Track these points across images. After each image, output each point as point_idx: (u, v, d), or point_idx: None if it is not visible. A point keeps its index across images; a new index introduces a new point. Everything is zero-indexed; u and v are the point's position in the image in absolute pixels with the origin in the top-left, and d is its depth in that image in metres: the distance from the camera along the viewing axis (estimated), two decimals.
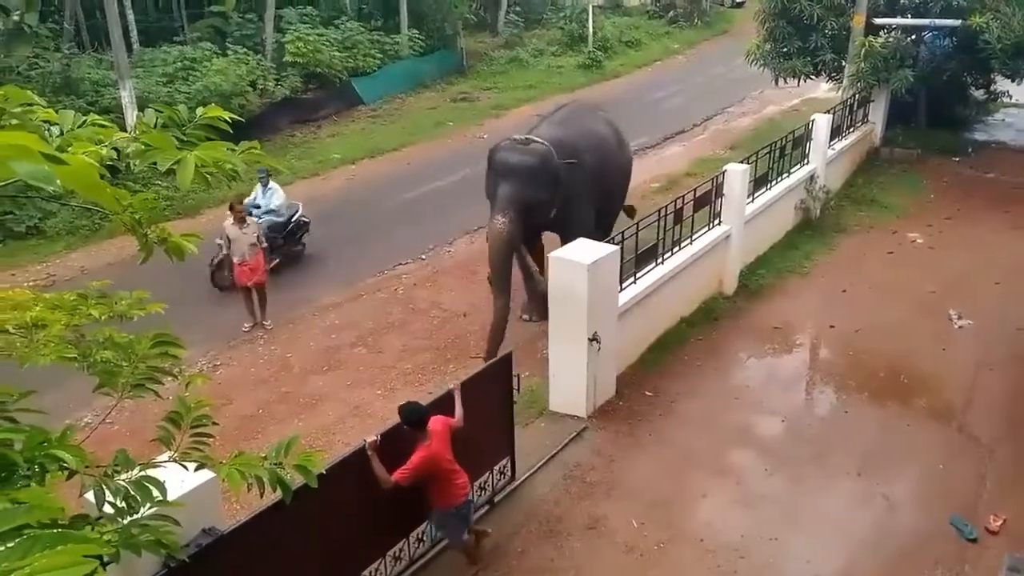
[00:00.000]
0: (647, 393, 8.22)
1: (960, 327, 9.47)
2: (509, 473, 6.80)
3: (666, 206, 8.74)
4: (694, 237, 9.34)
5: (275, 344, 9.39)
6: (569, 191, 8.65)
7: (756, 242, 10.90)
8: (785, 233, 11.82)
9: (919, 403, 8.19)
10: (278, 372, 8.85)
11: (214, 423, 3.26)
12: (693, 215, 9.25)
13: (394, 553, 5.85)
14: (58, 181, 1.63)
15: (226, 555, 4.50)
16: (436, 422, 5.51)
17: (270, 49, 18.58)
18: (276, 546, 4.81)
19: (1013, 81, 15.12)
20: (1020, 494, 6.84)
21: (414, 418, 5.38)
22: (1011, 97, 16.31)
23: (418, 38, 21.99)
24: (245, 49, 17.73)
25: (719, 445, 7.51)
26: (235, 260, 9.47)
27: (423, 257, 11.65)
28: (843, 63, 14.97)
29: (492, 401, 6.43)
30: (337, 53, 19.26)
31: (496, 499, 6.66)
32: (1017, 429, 7.66)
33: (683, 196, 9.11)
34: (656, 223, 8.54)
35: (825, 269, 11.03)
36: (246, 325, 9.70)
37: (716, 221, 9.78)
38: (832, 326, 9.64)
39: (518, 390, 6.73)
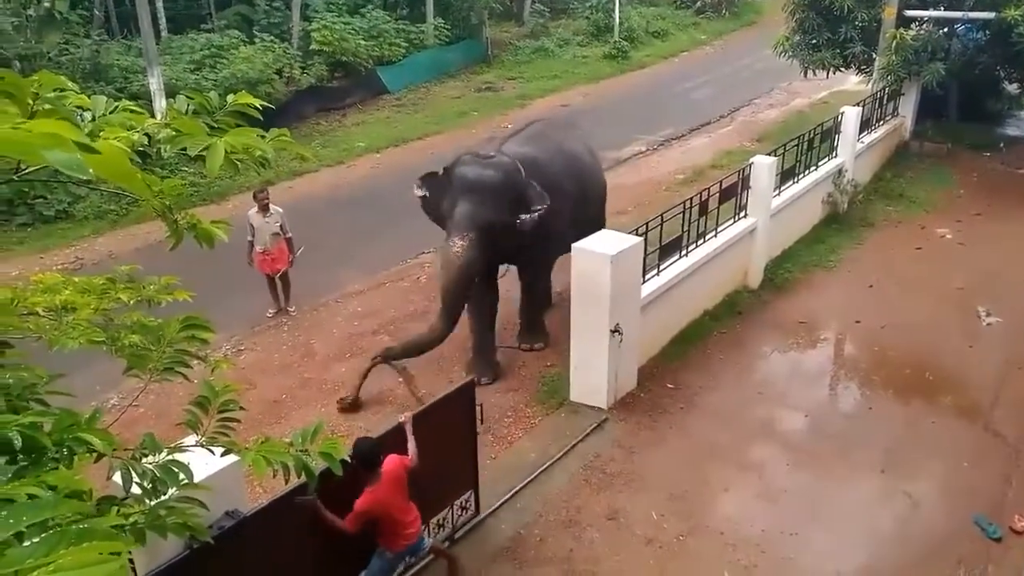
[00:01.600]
0: (669, 386, 8.19)
1: (988, 324, 9.33)
2: (472, 508, 6.41)
3: (691, 198, 8.67)
4: (719, 230, 9.27)
5: (298, 331, 9.46)
6: (546, 219, 7.57)
7: (782, 235, 10.79)
8: (812, 227, 11.69)
9: (945, 400, 8.09)
10: (301, 358, 8.92)
11: (241, 408, 3.29)
12: (719, 207, 9.18)
13: (437, 520, 6.01)
14: (90, 170, 1.64)
15: (248, 537, 4.56)
16: (390, 462, 5.16)
17: (296, 37, 18.64)
18: (297, 529, 4.86)
19: None
20: None
21: (367, 459, 4.99)
22: None
23: (443, 27, 21.95)
24: (272, 37, 17.81)
25: (741, 439, 7.47)
26: (258, 248, 9.42)
27: None
28: (873, 55, 14.72)
29: (453, 431, 6.03)
30: (363, 42, 19.28)
31: (457, 535, 6.29)
32: None
33: (708, 188, 9.04)
34: (681, 215, 8.47)
35: (852, 264, 10.90)
36: (270, 311, 9.78)
37: (742, 214, 9.70)
38: (858, 321, 9.53)
39: (481, 420, 6.28)
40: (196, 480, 3.69)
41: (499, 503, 6.70)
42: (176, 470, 2.88)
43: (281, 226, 9.41)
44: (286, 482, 3.34)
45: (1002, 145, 15.05)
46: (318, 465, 3.12)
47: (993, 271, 10.47)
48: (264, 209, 9.31)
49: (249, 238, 9.42)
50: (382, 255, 11.19)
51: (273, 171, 14.16)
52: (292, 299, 9.89)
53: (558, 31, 25.50)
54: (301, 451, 3.05)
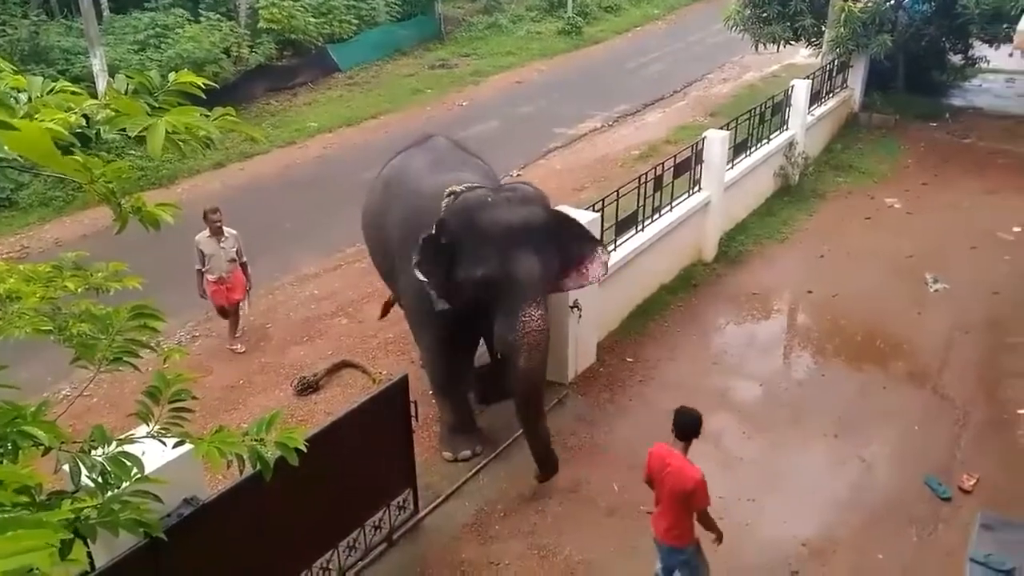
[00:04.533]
0: (628, 359, 8.28)
1: (936, 291, 9.59)
2: (411, 507, 6.26)
3: (646, 173, 8.72)
4: (674, 204, 9.35)
5: (254, 315, 9.32)
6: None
7: (735, 209, 10.93)
8: (764, 199, 11.86)
9: (895, 366, 8.32)
10: (258, 343, 8.81)
11: (193, 397, 3.24)
12: (673, 182, 9.24)
13: (374, 522, 5.90)
14: (6, 147, 1.58)
15: (208, 524, 4.51)
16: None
17: (244, 15, 18.21)
18: (259, 515, 4.82)
19: (991, 46, 15.20)
20: (993, 454, 7.00)
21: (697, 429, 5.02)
22: (988, 62, 16.34)
23: (395, 3, 21.66)
24: (218, 15, 17.35)
25: (699, 409, 7.56)
26: (211, 279, 8.22)
27: None
28: (822, 28, 14.90)
29: (387, 430, 5.84)
30: (312, 19, 18.92)
31: (396, 536, 6.12)
32: (990, 391, 7.81)
33: (663, 163, 9.09)
34: (636, 190, 8.52)
35: (803, 235, 11.10)
36: (239, 347, 8.64)
37: (696, 188, 9.78)
38: (810, 291, 9.73)
39: (416, 418, 6.09)
40: (154, 466, 3.66)
41: (463, 480, 6.74)
42: (127, 462, 2.82)
43: (237, 251, 8.33)
44: (240, 473, 3.29)
45: (948, 115, 15.39)
46: (274, 454, 3.07)
47: (940, 239, 10.74)
48: (217, 233, 8.16)
49: (198, 266, 8.25)
50: (338, 236, 11.05)
51: (223, 154, 13.91)
52: (241, 334, 8.82)
53: (511, 7, 25.31)
54: (256, 440, 2.99)
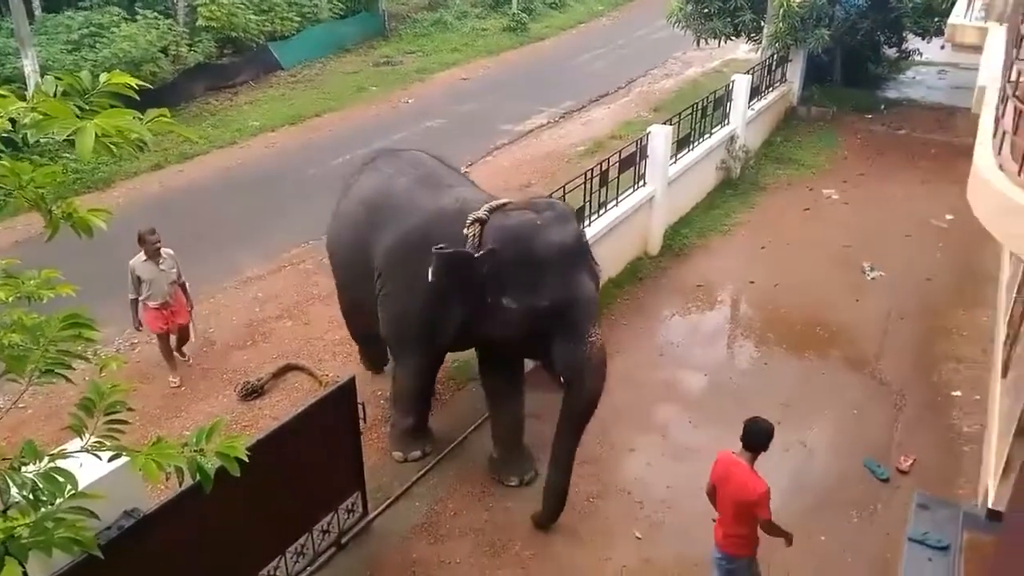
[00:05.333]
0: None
1: (873, 279, 9.88)
2: (360, 510, 6.20)
3: (592, 168, 8.80)
4: (619, 199, 9.45)
5: (196, 320, 9.12)
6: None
7: (679, 202, 11.10)
8: (707, 193, 12.06)
9: (835, 353, 8.55)
10: (200, 348, 8.63)
11: (129, 408, 3.16)
12: (618, 177, 9.35)
13: (322, 526, 5.84)
14: None
15: (150, 536, 4.41)
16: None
17: (182, 13, 17.77)
18: (204, 524, 4.73)
19: (923, 39, 15.78)
20: (927, 435, 7.25)
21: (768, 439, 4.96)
22: (921, 55, 16.93)
23: (338, 0, 21.38)
24: (155, 14, 16.89)
25: (646, 401, 7.70)
26: (152, 305, 7.61)
27: None
28: (762, 23, 15.20)
29: (335, 433, 5.76)
30: (253, 16, 18.55)
31: (345, 540, 6.06)
32: (925, 374, 8.09)
33: (608, 158, 9.19)
34: (582, 185, 8.59)
35: (745, 227, 11.32)
36: (174, 380, 8.00)
37: (641, 183, 9.91)
38: (752, 282, 9.93)
39: (364, 419, 6.06)
40: (92, 478, 3.56)
41: (413, 480, 6.72)
42: (59, 478, 2.73)
43: (177, 271, 7.77)
44: (180, 485, 3.22)
45: (883, 107, 15.84)
46: (214, 465, 3.01)
47: (876, 228, 11.06)
48: (155, 255, 7.52)
49: (133, 295, 7.61)
50: (281, 237, 10.92)
51: (161, 155, 13.60)
52: (189, 360, 8.35)
53: (456, 3, 25.20)
54: (196, 451, 2.92)
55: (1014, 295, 7.32)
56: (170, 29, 16.84)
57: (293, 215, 11.57)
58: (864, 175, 13.00)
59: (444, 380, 7.95)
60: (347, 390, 5.80)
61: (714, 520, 5.41)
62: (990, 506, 5.59)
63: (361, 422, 6.07)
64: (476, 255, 5.47)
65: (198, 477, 2.90)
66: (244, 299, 9.59)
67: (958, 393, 7.74)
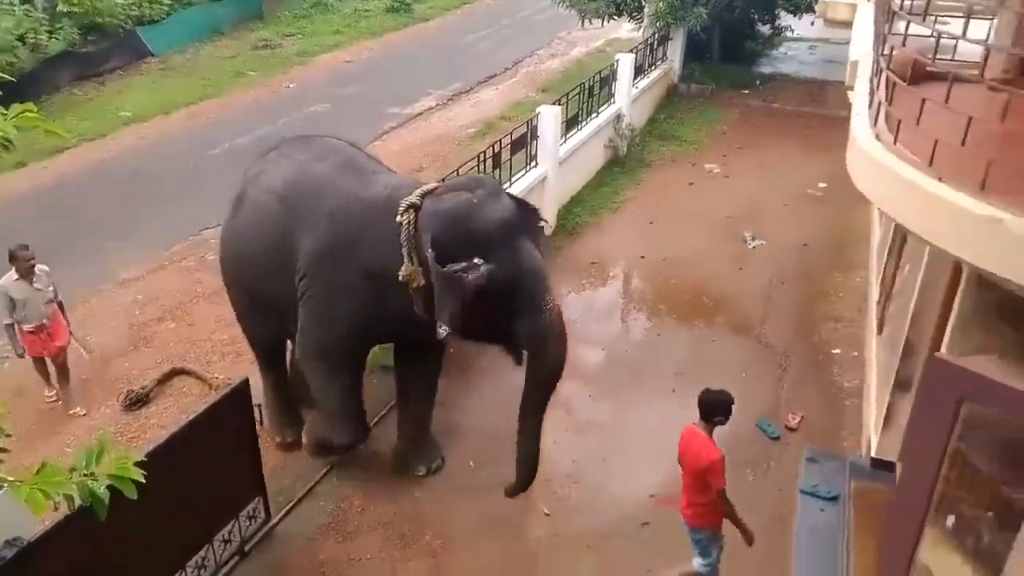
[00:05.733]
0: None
1: (754, 247, 10.29)
2: (262, 515, 6.01)
3: (484, 151, 8.76)
4: (513, 180, 9.45)
5: (73, 327, 8.55)
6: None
7: (570, 182, 11.21)
8: (596, 171, 12.24)
9: (722, 320, 8.86)
10: (77, 358, 8.06)
11: (7, 435, 2.88)
12: (511, 158, 9.35)
13: (223, 536, 5.63)
14: None
15: (36, 565, 4.10)
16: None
17: None
18: (95, 545, 4.39)
19: (795, 16, 16.56)
20: (812, 393, 7.62)
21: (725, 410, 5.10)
22: (793, 31, 17.71)
23: None
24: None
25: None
26: (28, 328, 6.97)
27: None
28: (643, 3, 15.51)
29: (231, 438, 5.58)
30: (119, 0, 17.49)
31: (248, 548, 5.86)
32: (806, 335, 8.51)
33: (500, 140, 9.16)
34: (476, 167, 8.53)
35: (634, 203, 11.55)
36: (50, 394, 7.44)
37: (532, 163, 9.95)
38: (643, 256, 10.16)
39: (261, 422, 5.99)
40: None
41: (316, 480, 6.56)
42: None
43: (53, 289, 7.13)
44: (70, 511, 2.94)
45: (759, 83, 16.47)
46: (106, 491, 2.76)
47: (755, 199, 11.50)
48: (28, 273, 6.87)
49: (7, 321, 6.97)
50: (160, 234, 10.36)
51: (25, 152, 12.61)
52: (73, 387, 7.52)
53: None
54: (86, 475, 2.68)
55: (885, 257, 7.76)
56: (27, 15, 15.63)
57: (172, 210, 11.00)
58: (743, 148, 13.48)
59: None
60: (241, 392, 5.57)
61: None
62: (874, 455, 5.93)
63: (258, 424, 5.87)
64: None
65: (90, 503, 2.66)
66: (122, 302, 9.04)
67: (838, 351, 8.17)
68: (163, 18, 18.64)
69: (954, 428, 1.97)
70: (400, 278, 5.37)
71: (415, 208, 5.39)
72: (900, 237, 7.01)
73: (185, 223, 10.63)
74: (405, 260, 5.37)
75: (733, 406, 5.11)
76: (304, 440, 6.66)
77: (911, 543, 2.16)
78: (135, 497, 2.70)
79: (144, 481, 2.73)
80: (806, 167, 12.52)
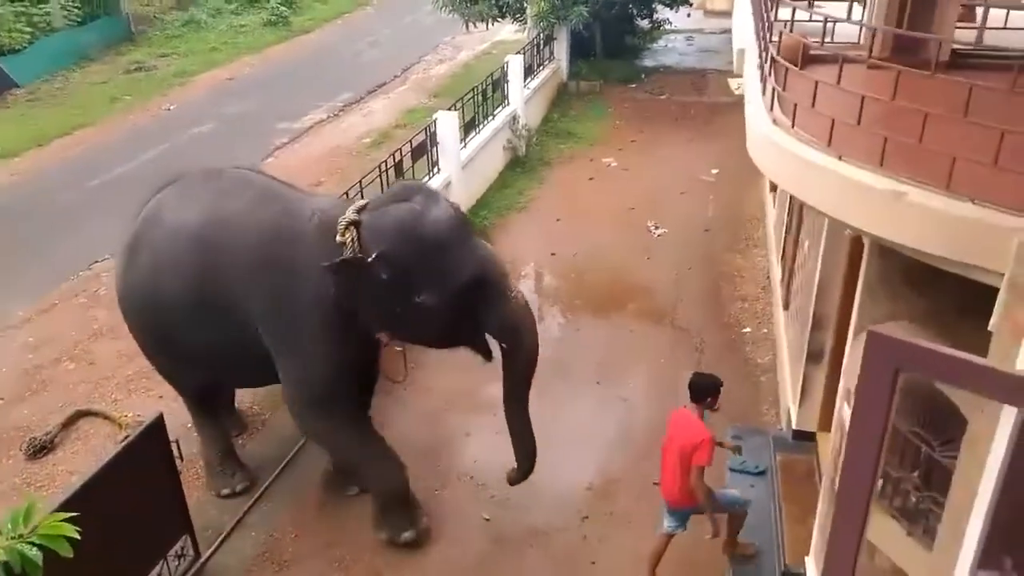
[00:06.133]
0: (396, 348, 8.19)
1: (659, 236, 10.58)
2: (191, 553, 5.80)
3: (385, 160, 8.65)
4: None
5: None
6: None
7: (474, 185, 11.24)
8: (499, 173, 12.32)
9: (636, 309, 9.07)
10: None
11: None
12: (413, 166, 9.27)
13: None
14: None
15: None
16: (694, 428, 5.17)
17: None
18: None
19: (671, 9, 17.19)
20: (728, 372, 7.77)
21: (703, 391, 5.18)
22: (671, 24, 18.35)
23: (72, 6, 19.34)
24: None
25: (473, 383, 7.71)
26: None
27: None
28: (524, 4, 15.70)
29: (150, 477, 5.35)
30: None
31: None
32: (716, 317, 8.81)
33: (400, 148, 9.08)
34: (378, 178, 8.42)
35: (539, 202, 11.69)
36: None
37: (435, 170, 9.91)
38: (553, 254, 10.29)
39: (180, 457, 5.78)
40: None
41: (244, 510, 6.31)
42: None
43: None
44: None
45: (643, 76, 16.97)
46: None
47: (653, 189, 11.83)
48: None
49: None
50: (46, 273, 9.76)
51: None
52: None
53: (208, 0, 23.72)
54: (16, 538, 2.47)
55: (783, 235, 8.14)
56: None
57: (55, 247, 10.38)
58: (636, 141, 13.85)
59: (260, 400, 7.53)
60: (156, 429, 5.36)
61: (656, 484, 5.63)
62: (794, 427, 6.21)
63: (177, 460, 5.62)
64: (368, 259, 5.03)
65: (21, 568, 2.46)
66: (12, 348, 8.46)
67: (748, 330, 8.50)
68: (25, 47, 17.60)
69: (893, 398, 2.09)
70: None
71: (356, 224, 5.18)
72: (797, 215, 7.37)
73: (72, 259, 10.06)
74: None
75: (722, 388, 5.26)
76: (385, 536, 6.05)
77: (861, 512, 2.27)
78: (71, 555, 2.53)
79: (79, 537, 2.57)
80: (697, 155, 12.98)
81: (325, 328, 5.37)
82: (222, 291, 5.45)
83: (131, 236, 5.83)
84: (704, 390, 5.20)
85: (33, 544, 2.45)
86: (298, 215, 5.50)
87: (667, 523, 5.46)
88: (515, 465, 5.95)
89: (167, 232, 5.63)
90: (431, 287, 5.17)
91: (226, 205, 5.60)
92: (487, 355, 5.72)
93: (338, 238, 5.13)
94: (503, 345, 5.54)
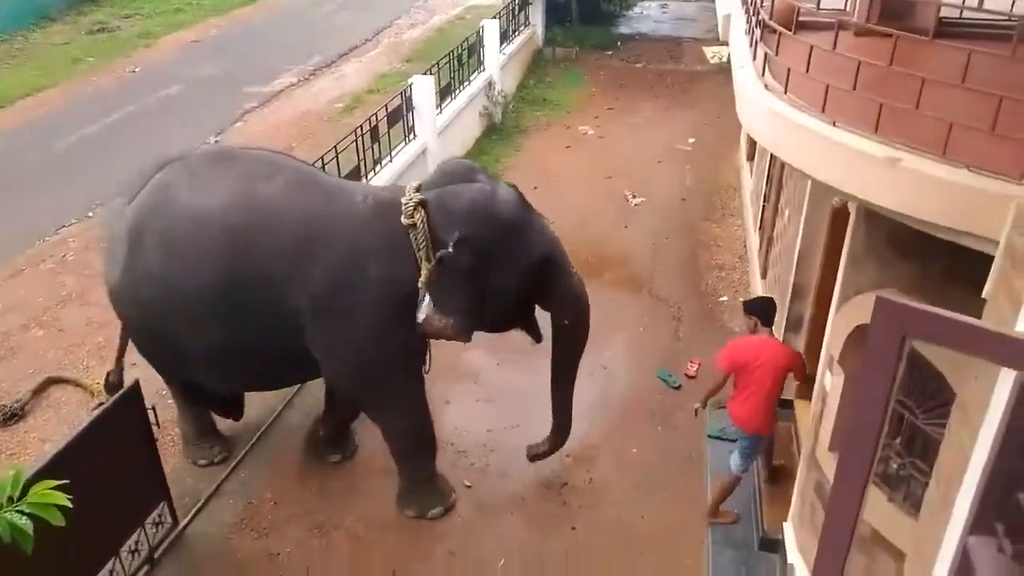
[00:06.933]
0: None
1: (636, 205, 10.57)
2: (169, 520, 5.73)
3: (361, 125, 8.50)
4: (393, 154, 9.24)
5: None
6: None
7: (451, 152, 11.01)
8: (475, 140, 12.19)
9: (615, 278, 9.07)
10: None
11: None
12: (388, 132, 9.12)
13: (130, 547, 5.35)
14: None
15: None
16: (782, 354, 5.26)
17: None
18: None
19: None
20: (706, 340, 7.92)
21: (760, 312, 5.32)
22: None
23: None
24: None
25: (453, 351, 7.64)
26: None
27: (90, 215, 10.19)
28: None
29: (127, 444, 5.26)
30: None
31: (157, 555, 5.56)
32: (694, 285, 8.85)
33: (376, 113, 8.91)
34: (354, 143, 8.27)
35: (515, 170, 11.56)
36: None
37: (411, 136, 9.76)
38: None
39: (157, 424, 5.75)
40: None
41: (223, 478, 6.26)
42: None
43: None
44: None
45: (619, 43, 16.85)
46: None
47: (631, 157, 11.80)
48: None
49: None
50: (11, 237, 9.47)
51: None
52: None
53: None
54: (8, 509, 2.40)
55: (761, 204, 8.17)
56: None
57: (20, 212, 10.08)
58: (613, 109, 13.77)
59: None
60: (133, 395, 5.26)
61: (720, 407, 5.74)
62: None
63: (154, 427, 5.53)
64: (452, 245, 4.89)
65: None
66: None
67: (725, 298, 8.56)
68: None
69: (900, 365, 2.09)
70: (420, 283, 5.04)
71: (423, 205, 5.00)
72: (776, 184, 7.39)
73: (37, 224, 9.79)
74: (423, 262, 5.00)
75: None
76: (413, 513, 6.00)
77: (863, 479, 2.28)
78: (63, 524, 2.47)
79: (71, 506, 2.51)
80: (673, 123, 12.96)
81: (386, 308, 5.15)
82: (257, 282, 5.06)
83: (132, 223, 5.23)
84: (772, 310, 5.38)
85: (23, 513, 2.39)
86: (344, 198, 5.26)
87: (739, 463, 5.50)
88: (529, 442, 6.20)
89: (184, 219, 5.12)
90: (506, 269, 5.12)
91: (258, 189, 5.17)
92: (538, 336, 5.81)
93: (404, 220, 4.96)
94: (565, 320, 5.55)
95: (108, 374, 6.09)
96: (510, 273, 5.15)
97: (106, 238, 5.56)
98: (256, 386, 6.20)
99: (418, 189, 5.14)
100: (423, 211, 4.97)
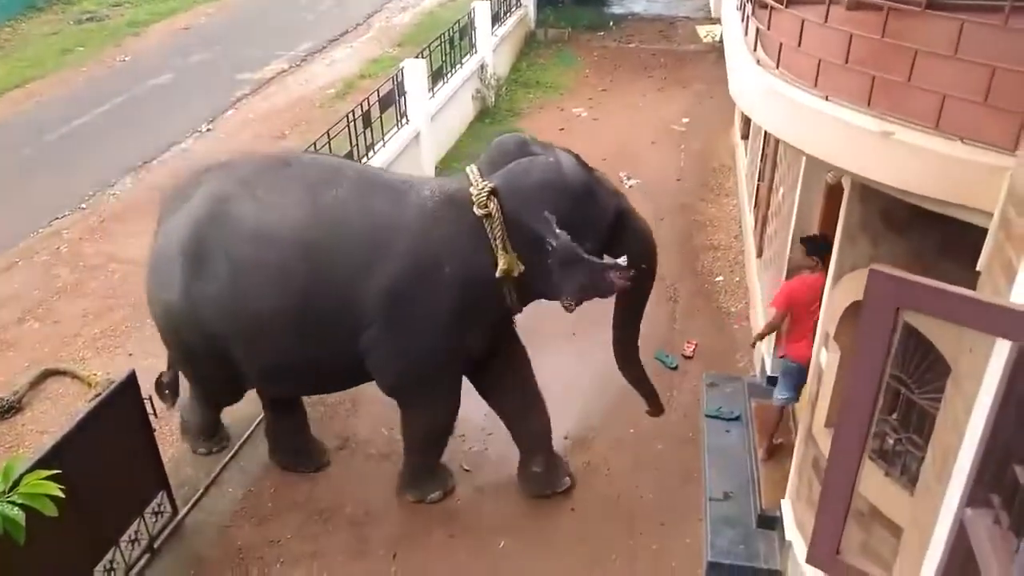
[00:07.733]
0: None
1: (631, 186, 10.52)
2: (169, 510, 5.73)
3: (353, 111, 8.43)
4: (386, 139, 9.19)
5: None
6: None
7: (444, 136, 11.05)
8: (469, 124, 12.14)
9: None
10: None
11: None
12: (381, 117, 9.06)
13: (129, 536, 5.36)
14: None
15: None
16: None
17: None
18: None
19: None
20: (702, 320, 7.95)
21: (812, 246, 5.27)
22: None
23: None
24: None
25: None
26: None
27: (83, 206, 10.16)
28: None
29: (125, 434, 5.25)
30: None
31: (157, 544, 5.56)
32: (690, 265, 8.84)
33: (367, 98, 8.84)
34: (346, 129, 8.21)
35: None
36: None
37: (404, 120, 9.69)
38: None
39: (155, 414, 5.71)
40: None
41: (221, 467, 6.26)
42: None
43: None
44: None
45: (611, 24, 16.73)
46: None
47: (625, 139, 11.74)
48: None
49: None
50: (6, 230, 9.44)
51: None
52: None
53: None
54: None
55: (756, 183, 8.14)
56: None
57: (13, 204, 10.04)
58: (606, 90, 13.70)
59: None
60: (129, 386, 5.26)
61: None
62: (768, 374, 6.28)
63: (152, 417, 5.53)
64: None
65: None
66: None
67: (721, 278, 8.54)
68: None
69: (894, 337, 2.07)
70: (498, 274, 4.93)
71: (495, 192, 4.87)
72: (771, 163, 7.36)
73: (30, 215, 9.75)
74: (499, 252, 4.89)
75: None
76: (413, 497, 6.02)
77: (858, 450, 2.28)
78: (55, 514, 2.47)
79: (63, 496, 2.50)
80: (667, 103, 12.89)
81: (459, 305, 5.08)
82: (333, 296, 4.99)
83: (187, 241, 5.03)
84: (820, 245, 5.19)
85: (15, 504, 2.38)
86: (411, 197, 5.10)
87: (785, 394, 5.57)
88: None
89: (253, 238, 4.95)
90: (589, 233, 4.97)
91: (323, 199, 5.01)
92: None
93: (477, 210, 4.84)
94: (642, 264, 5.31)
95: (161, 375, 6.13)
96: (594, 235, 5.02)
97: (157, 257, 5.32)
98: (307, 392, 6.20)
99: (480, 174, 5.01)
100: (496, 199, 4.86)
